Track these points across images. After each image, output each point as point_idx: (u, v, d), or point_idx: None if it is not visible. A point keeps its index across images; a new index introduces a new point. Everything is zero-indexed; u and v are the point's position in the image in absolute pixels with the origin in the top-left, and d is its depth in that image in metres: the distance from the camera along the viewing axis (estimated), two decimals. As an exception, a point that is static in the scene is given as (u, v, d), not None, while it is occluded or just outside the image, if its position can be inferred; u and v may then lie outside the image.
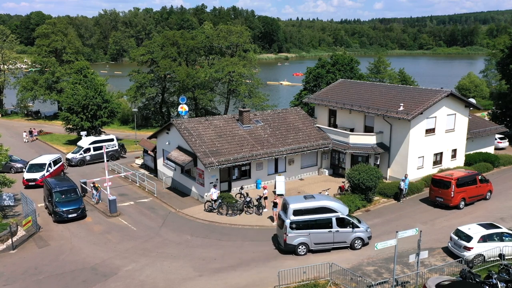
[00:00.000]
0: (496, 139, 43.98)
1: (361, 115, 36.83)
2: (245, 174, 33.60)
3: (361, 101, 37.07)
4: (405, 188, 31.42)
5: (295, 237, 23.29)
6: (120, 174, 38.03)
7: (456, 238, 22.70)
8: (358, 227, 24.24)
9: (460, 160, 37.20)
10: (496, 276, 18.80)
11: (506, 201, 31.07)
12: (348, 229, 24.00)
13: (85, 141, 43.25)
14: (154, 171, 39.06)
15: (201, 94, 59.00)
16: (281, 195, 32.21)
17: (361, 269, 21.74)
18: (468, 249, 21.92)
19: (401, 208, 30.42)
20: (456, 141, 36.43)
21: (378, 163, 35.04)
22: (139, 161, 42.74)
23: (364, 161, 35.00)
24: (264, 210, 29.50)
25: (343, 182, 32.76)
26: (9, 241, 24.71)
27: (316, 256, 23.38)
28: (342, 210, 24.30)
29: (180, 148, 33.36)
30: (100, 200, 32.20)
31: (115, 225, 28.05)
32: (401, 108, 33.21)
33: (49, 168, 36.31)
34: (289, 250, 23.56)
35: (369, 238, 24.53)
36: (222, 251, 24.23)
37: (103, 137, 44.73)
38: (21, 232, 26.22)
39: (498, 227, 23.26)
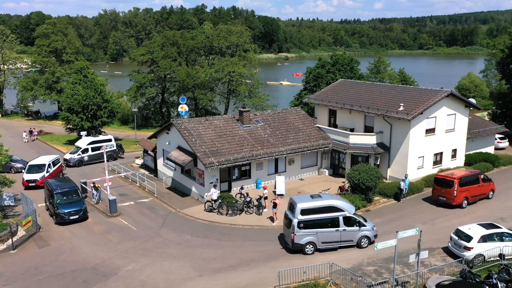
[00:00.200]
0: (496, 139, 43.99)
1: (361, 115, 36.83)
2: (245, 174, 33.61)
3: (361, 101, 37.08)
4: (405, 188, 31.43)
5: (302, 236, 23.37)
6: (120, 174, 38.04)
7: (456, 238, 22.71)
8: (364, 225, 24.38)
9: (460, 160, 37.21)
10: (496, 276, 18.81)
11: (506, 201, 31.08)
12: (355, 228, 24.13)
13: (83, 142, 43.11)
14: (154, 171, 39.07)
15: (201, 94, 59.00)
16: (281, 195, 32.24)
17: (361, 269, 21.75)
18: (468, 249, 21.93)
19: (401, 208, 30.43)
20: (456, 141, 36.45)
21: (378, 163, 35.05)
22: (139, 161, 42.74)
23: (364, 161, 35.01)
24: (264, 210, 29.51)
25: (343, 182, 32.77)
26: (9, 241, 24.72)
27: (316, 256, 23.37)
28: (348, 209, 24.44)
29: (180, 148, 33.37)
30: (100, 200, 32.20)
31: (115, 225, 28.06)
32: (401, 108, 33.22)
33: (49, 169, 36.24)
34: (296, 249, 23.62)
35: (375, 236, 24.65)
36: (222, 251, 24.24)
37: (101, 137, 44.56)
38: (21, 232, 26.23)
39: (498, 227, 23.28)
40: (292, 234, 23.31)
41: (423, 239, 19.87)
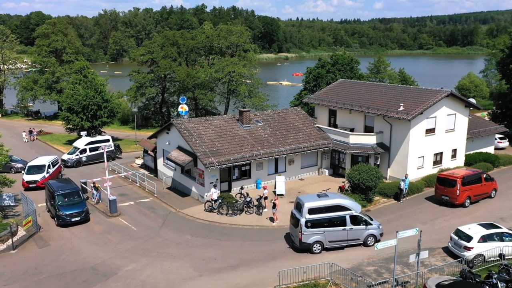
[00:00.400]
0: (496, 139, 44.00)
1: (361, 115, 36.84)
2: (245, 174, 33.61)
3: (361, 101, 37.08)
4: (405, 188, 31.43)
5: (310, 235, 23.45)
6: (120, 174, 38.04)
7: (456, 238, 22.71)
8: (370, 224, 24.51)
9: (460, 160, 37.22)
10: (496, 276, 18.81)
11: (506, 201, 31.09)
12: (362, 227, 24.24)
13: (81, 142, 42.96)
14: (154, 171, 39.07)
15: (201, 94, 59.00)
16: (281, 195, 32.25)
17: (361, 269, 21.75)
18: (468, 249, 21.93)
19: (401, 208, 30.43)
20: (456, 141, 36.45)
21: (378, 163, 35.05)
22: (139, 161, 42.73)
23: (364, 161, 35.01)
24: (264, 210, 29.51)
25: (343, 182, 32.77)
26: (10, 241, 24.71)
27: (317, 256, 23.38)
28: (355, 207, 24.56)
29: (180, 148, 33.37)
30: (100, 200, 32.20)
31: (115, 225, 28.06)
32: (401, 108, 33.22)
33: (49, 170, 36.05)
34: (304, 248, 23.68)
35: (381, 235, 24.73)
36: (222, 251, 24.24)
37: (98, 137, 44.37)
38: (21, 232, 26.23)
39: (498, 227, 23.27)
40: (300, 234, 23.38)
41: (423, 239, 19.87)
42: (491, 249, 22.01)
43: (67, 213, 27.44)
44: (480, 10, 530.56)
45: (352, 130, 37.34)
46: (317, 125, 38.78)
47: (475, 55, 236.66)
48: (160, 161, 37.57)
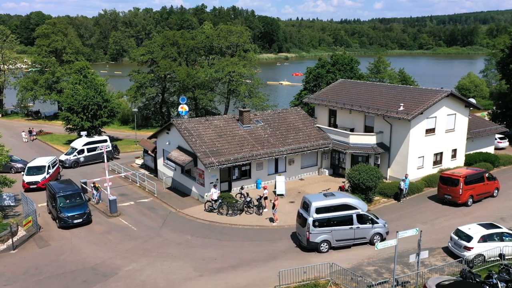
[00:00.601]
0: (496, 139, 44.00)
1: (361, 115, 36.84)
2: (245, 174, 33.61)
3: (361, 101, 37.08)
4: (405, 188, 31.44)
5: (317, 234, 23.53)
6: (120, 174, 38.04)
7: (456, 238, 22.71)
8: (377, 222, 24.64)
9: (460, 160, 37.22)
10: (496, 276, 18.82)
11: (506, 201, 31.10)
12: (368, 225, 24.36)
13: (79, 143, 42.79)
14: (154, 171, 39.07)
15: (201, 94, 59.00)
16: (281, 195, 32.25)
17: (361, 269, 21.75)
18: (468, 249, 21.94)
19: (401, 208, 30.43)
20: (456, 141, 36.45)
21: (378, 163, 35.05)
22: (139, 161, 42.73)
23: (364, 161, 35.02)
24: (265, 210, 29.52)
25: (343, 182, 32.78)
26: (10, 241, 24.72)
27: (317, 257, 23.39)
28: (361, 206, 24.69)
29: (180, 148, 33.37)
30: (101, 200, 32.20)
31: (115, 225, 28.06)
32: (401, 108, 33.22)
33: (49, 170, 35.88)
34: (311, 248, 23.76)
35: (387, 233, 24.82)
36: (222, 251, 24.24)
37: (96, 138, 44.16)
38: (21, 232, 26.23)
39: (498, 227, 23.28)
40: (307, 233, 23.46)
41: (423, 239, 19.88)
42: (491, 249, 22.01)
43: (69, 215, 27.14)
44: (480, 10, 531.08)
45: (352, 130, 37.34)
46: (317, 125, 38.78)
47: (475, 55, 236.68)
48: (160, 161, 37.58)
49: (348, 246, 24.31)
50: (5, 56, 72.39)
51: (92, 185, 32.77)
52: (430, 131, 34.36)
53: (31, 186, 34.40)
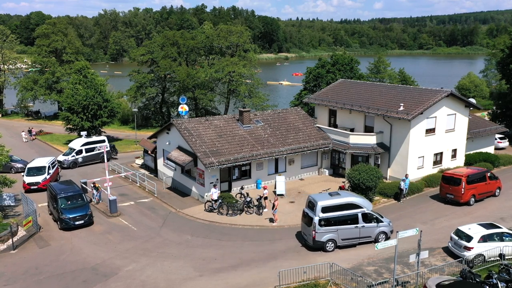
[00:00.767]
0: (496, 139, 44.01)
1: (361, 115, 36.84)
2: (245, 174, 33.62)
3: (361, 101, 37.09)
4: (405, 188, 31.44)
5: (323, 233, 23.61)
6: (121, 174, 38.05)
7: (456, 238, 22.72)
8: (382, 221, 24.72)
9: (460, 160, 37.22)
10: (496, 276, 18.82)
11: (507, 201, 31.11)
12: (373, 224, 24.45)
13: (77, 143, 42.66)
14: (154, 171, 39.07)
15: (201, 94, 59.01)
16: (281, 195, 32.26)
17: (361, 269, 21.76)
18: (469, 249, 21.94)
19: (401, 208, 30.43)
20: (456, 141, 36.46)
21: (378, 163, 35.05)
22: (139, 161, 42.73)
23: (364, 161, 35.03)
24: (265, 210, 29.52)
25: (343, 182, 32.78)
26: (10, 241, 24.72)
27: (317, 257, 23.40)
28: (367, 205, 24.81)
29: (180, 148, 33.38)
30: (101, 200, 32.21)
31: (115, 225, 28.06)
32: (401, 108, 33.23)
33: (49, 171, 35.70)
34: (317, 247, 23.84)
35: (391, 232, 24.89)
36: (222, 251, 24.25)
37: (94, 138, 43.97)
38: (21, 232, 26.24)
39: (498, 227, 23.29)
40: (313, 232, 23.51)
41: (423, 239, 19.88)
42: (491, 249, 22.01)
43: (71, 216, 26.86)
44: (480, 10, 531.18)
45: (352, 130, 37.35)
46: (317, 125, 38.78)
47: (475, 55, 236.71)
48: (160, 161, 37.58)
49: (354, 245, 24.38)
50: (5, 56, 72.41)
51: (92, 185, 32.76)
52: (430, 131, 34.36)
53: (32, 187, 34.21)
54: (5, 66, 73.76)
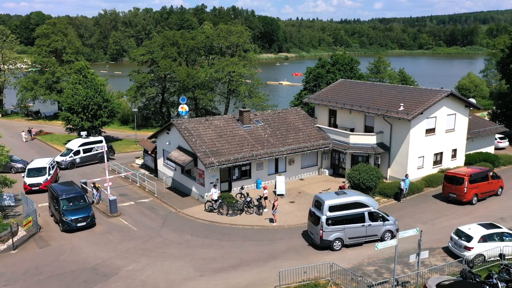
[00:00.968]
0: (496, 139, 44.02)
1: (361, 115, 36.84)
2: (245, 174, 33.62)
3: (361, 101, 37.09)
4: (406, 188, 31.45)
5: (331, 232, 23.71)
6: (121, 174, 38.05)
7: (457, 238, 22.72)
8: (388, 220, 24.83)
9: (460, 160, 37.23)
10: (496, 276, 18.82)
11: (507, 201, 31.12)
12: (379, 223, 24.58)
13: (74, 144, 42.48)
14: (154, 171, 39.07)
15: (201, 94, 59.00)
16: (281, 195, 32.27)
17: (361, 269, 21.76)
18: (469, 249, 21.95)
19: (402, 208, 30.43)
20: (456, 141, 36.46)
21: (378, 163, 35.05)
22: (139, 161, 42.73)
23: (364, 161, 35.03)
24: (265, 210, 29.52)
25: (343, 182, 32.79)
26: (10, 241, 24.71)
27: (317, 256, 23.41)
28: (373, 204, 24.97)
29: (180, 148, 33.38)
30: (101, 200, 32.20)
31: (115, 225, 28.06)
32: (401, 108, 33.23)
33: (50, 172, 35.53)
34: (324, 246, 23.93)
35: (397, 230, 24.90)
36: (222, 251, 24.25)
37: (91, 139, 43.79)
38: (21, 232, 26.22)
39: (499, 227, 23.29)
40: (321, 231, 23.58)
41: (423, 239, 19.89)
42: (491, 249, 22.02)
43: (73, 218, 26.51)
44: (480, 10, 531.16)
45: (352, 130, 37.35)
46: (317, 125, 38.79)
47: (475, 55, 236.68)
48: (160, 161, 37.58)
49: (360, 244, 24.43)
50: (5, 56, 72.37)
51: (92, 185, 32.76)
52: (430, 131, 34.36)
53: (33, 188, 33.94)
54: (5, 66, 73.72)
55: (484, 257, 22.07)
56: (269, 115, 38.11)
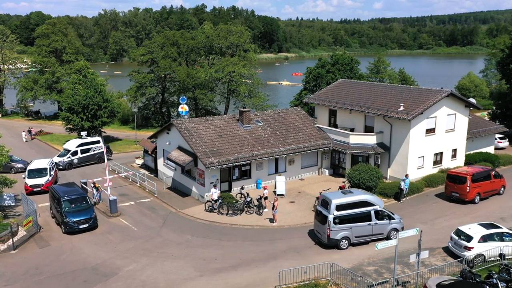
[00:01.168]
0: (496, 139, 44.03)
1: (361, 115, 36.85)
2: (245, 174, 33.63)
3: (361, 101, 37.09)
4: (406, 188, 31.45)
5: (338, 231, 23.83)
6: (121, 174, 38.05)
7: (457, 238, 22.73)
8: (393, 218, 24.99)
9: (460, 160, 37.23)
10: (496, 276, 18.83)
11: (507, 201, 31.13)
12: (385, 221, 24.74)
13: (72, 144, 42.33)
14: (154, 171, 39.07)
15: (201, 94, 59.01)
16: (282, 195, 32.27)
17: (361, 269, 21.77)
18: (469, 249, 21.96)
19: (402, 208, 30.42)
20: (456, 141, 36.47)
21: (378, 163, 35.06)
22: (140, 161, 42.72)
23: (364, 161, 35.04)
24: (265, 210, 29.53)
25: (344, 182, 32.80)
26: (10, 241, 24.71)
27: (317, 256, 23.41)
28: (379, 203, 25.11)
29: (180, 148, 33.38)
30: (101, 200, 32.20)
31: (115, 225, 28.07)
32: (401, 108, 33.23)
33: (51, 173, 35.41)
34: (332, 244, 24.03)
35: (402, 228, 25.06)
36: (222, 251, 24.26)
37: (89, 139, 43.55)
38: (22, 232, 26.22)
39: (499, 227, 23.30)
40: (328, 230, 23.68)
41: (423, 239, 19.89)
42: (491, 249, 22.04)
43: (75, 220, 26.26)
44: (480, 10, 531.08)
45: (352, 130, 37.35)
46: (317, 125, 38.79)
47: (475, 55, 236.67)
48: (160, 161, 37.58)
49: (366, 242, 24.49)
50: (5, 56, 72.34)
51: (92, 185, 32.75)
52: (430, 131, 34.37)
53: (35, 189, 33.77)
54: (5, 66, 73.70)
55: (484, 257, 22.08)
56: (269, 115, 38.12)
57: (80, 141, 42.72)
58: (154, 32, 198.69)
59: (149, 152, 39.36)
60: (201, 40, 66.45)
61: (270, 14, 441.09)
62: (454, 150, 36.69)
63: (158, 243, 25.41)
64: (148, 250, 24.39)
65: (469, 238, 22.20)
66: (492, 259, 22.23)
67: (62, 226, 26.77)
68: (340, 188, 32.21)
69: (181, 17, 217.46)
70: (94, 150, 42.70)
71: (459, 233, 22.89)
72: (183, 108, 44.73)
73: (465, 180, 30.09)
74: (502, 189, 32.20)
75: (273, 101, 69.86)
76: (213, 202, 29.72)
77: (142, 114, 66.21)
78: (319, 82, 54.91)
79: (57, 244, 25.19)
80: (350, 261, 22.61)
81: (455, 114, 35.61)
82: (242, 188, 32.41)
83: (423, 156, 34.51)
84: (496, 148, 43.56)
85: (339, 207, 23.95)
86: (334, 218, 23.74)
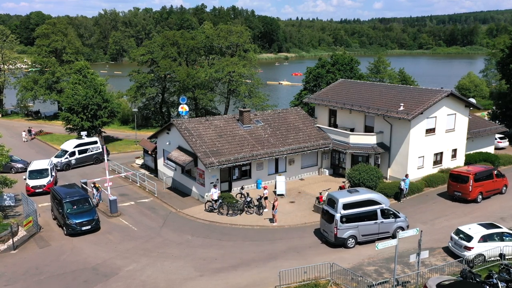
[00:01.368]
0: (496, 139, 44.04)
1: (361, 115, 36.85)
2: (245, 174, 33.63)
3: (361, 101, 37.10)
4: (406, 188, 31.46)
5: (345, 230, 23.94)
6: (121, 174, 38.05)
7: (457, 238, 22.74)
8: (399, 217, 25.12)
9: (460, 160, 37.23)
10: (496, 276, 18.83)
11: (507, 201, 31.14)
12: (391, 220, 24.89)
13: (69, 145, 42.21)
14: (154, 171, 39.08)
15: (201, 94, 59.00)
16: (282, 195, 32.27)
17: (361, 269, 21.77)
18: (469, 249, 21.96)
19: (402, 208, 30.37)
20: (456, 141, 36.47)
21: (378, 163, 35.06)
22: (140, 161, 42.72)
23: (364, 161, 35.04)
24: (265, 210, 29.53)
25: (344, 182, 32.79)
26: (10, 241, 24.71)
27: (317, 256, 23.42)
28: (384, 201, 25.26)
29: (180, 148, 33.38)
30: (101, 200, 32.20)
31: (115, 225, 28.07)
32: (401, 108, 33.24)
33: (52, 173, 35.31)
34: (339, 243, 24.13)
35: (407, 227, 25.19)
36: (222, 251, 24.26)
37: (86, 139, 43.41)
38: (22, 232, 26.23)
39: (499, 227, 23.31)
40: (335, 229, 23.77)
41: (423, 239, 19.89)
42: (491, 249, 22.04)
43: (77, 221, 26.03)
44: (480, 10, 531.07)
45: (352, 130, 37.35)
46: (317, 125, 38.80)
47: (475, 55, 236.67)
48: (160, 161, 37.59)
49: (373, 241, 24.50)
50: (5, 56, 72.33)
51: (92, 185, 32.75)
52: (430, 131, 34.37)
53: (37, 190, 33.62)
54: (5, 66, 73.68)
55: (484, 257, 22.09)
56: (269, 115, 38.12)
57: (77, 141, 42.63)
58: (154, 32, 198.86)
59: (149, 152, 39.37)
60: (201, 40, 66.44)
61: (270, 14, 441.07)
62: (454, 150, 36.69)
63: (158, 243, 25.42)
64: (148, 250, 24.39)
65: (469, 238, 22.20)
66: (492, 259, 22.24)
67: (64, 228, 26.56)
68: (340, 188, 32.24)
69: (181, 17, 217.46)
70: (91, 151, 42.65)
71: (459, 233, 22.89)
72: (183, 108, 44.74)
73: (467, 179, 30.20)
74: (505, 188, 32.32)
75: (273, 101, 69.87)
76: (213, 202, 29.73)
77: (142, 114, 66.20)
78: (319, 82, 54.91)
79: (57, 244, 25.20)
80: (350, 261, 22.61)
81: (455, 114, 35.62)
82: (242, 188, 32.40)
83: (423, 156, 34.51)
84: (496, 148, 43.56)
85: (346, 206, 24.08)
86: (341, 217, 23.85)
